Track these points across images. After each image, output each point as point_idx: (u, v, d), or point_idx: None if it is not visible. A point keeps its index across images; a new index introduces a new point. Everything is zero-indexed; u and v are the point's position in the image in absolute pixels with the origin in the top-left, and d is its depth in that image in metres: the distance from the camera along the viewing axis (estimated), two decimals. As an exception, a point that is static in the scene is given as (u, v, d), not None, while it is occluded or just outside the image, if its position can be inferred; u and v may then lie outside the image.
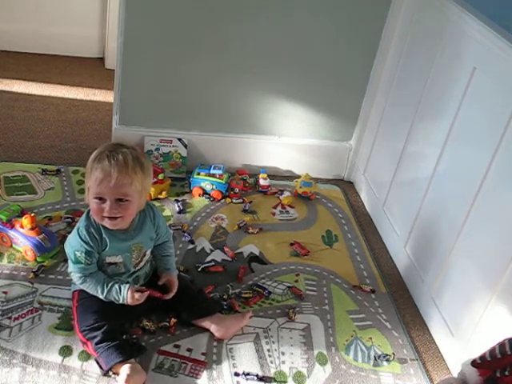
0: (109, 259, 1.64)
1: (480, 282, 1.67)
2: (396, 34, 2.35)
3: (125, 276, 1.68)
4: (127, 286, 1.61)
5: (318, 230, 2.33)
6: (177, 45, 2.33)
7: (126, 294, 1.60)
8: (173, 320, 1.73)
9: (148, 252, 1.71)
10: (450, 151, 1.90)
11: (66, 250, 1.65)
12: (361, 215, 2.50)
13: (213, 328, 1.72)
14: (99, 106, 3.00)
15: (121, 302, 1.61)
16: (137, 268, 1.70)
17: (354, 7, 2.34)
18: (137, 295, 1.60)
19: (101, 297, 1.62)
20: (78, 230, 1.61)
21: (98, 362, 1.57)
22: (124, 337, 1.64)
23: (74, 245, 1.60)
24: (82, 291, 1.66)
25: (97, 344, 1.55)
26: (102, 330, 1.57)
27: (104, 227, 1.60)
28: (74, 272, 1.62)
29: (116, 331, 1.61)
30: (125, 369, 1.52)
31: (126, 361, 1.54)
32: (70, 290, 1.76)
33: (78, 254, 1.59)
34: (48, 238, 1.93)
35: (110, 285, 1.61)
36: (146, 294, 1.63)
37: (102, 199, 1.53)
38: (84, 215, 1.63)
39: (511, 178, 1.57)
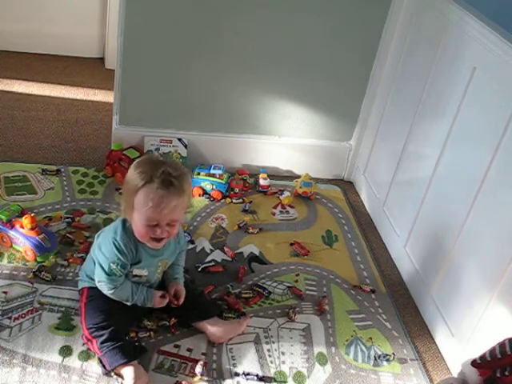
0: (136, 272, 1.64)
1: (480, 281, 1.67)
2: (396, 34, 2.35)
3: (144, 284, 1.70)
4: (152, 292, 1.67)
5: (318, 230, 2.33)
6: (177, 45, 2.33)
7: (152, 300, 1.66)
8: (173, 320, 1.74)
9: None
10: (450, 151, 1.90)
11: (96, 259, 1.62)
12: (361, 215, 2.50)
13: (209, 332, 1.72)
14: (99, 106, 3.00)
15: (147, 306, 1.67)
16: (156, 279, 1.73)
17: (354, 7, 2.34)
18: (161, 300, 1.68)
19: (126, 303, 1.64)
20: (114, 242, 1.57)
21: (100, 361, 1.57)
22: (127, 338, 1.65)
23: (109, 256, 1.58)
24: (91, 288, 1.66)
25: (102, 343, 1.56)
26: (109, 329, 1.57)
27: (140, 242, 1.59)
28: (104, 283, 1.61)
29: (121, 332, 1.61)
30: (130, 372, 1.52)
31: (130, 362, 1.55)
32: (69, 289, 1.78)
33: (114, 266, 1.58)
34: (48, 237, 1.93)
35: (137, 293, 1.64)
36: (167, 299, 1.69)
37: (153, 225, 1.53)
38: (120, 227, 1.59)
39: (511, 178, 1.57)
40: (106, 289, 1.61)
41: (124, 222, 1.60)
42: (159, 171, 1.49)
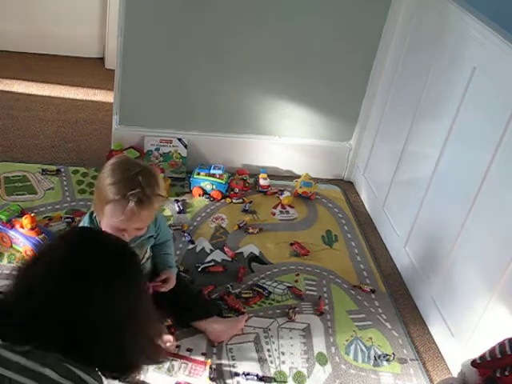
0: None
1: (480, 281, 1.67)
2: (396, 34, 2.35)
3: None
4: None
5: (318, 230, 2.33)
6: (177, 45, 2.33)
7: None
8: (172, 319, 1.73)
9: (148, 249, 1.71)
10: (449, 151, 1.90)
11: None
12: (361, 215, 2.50)
13: (208, 330, 1.72)
14: (99, 106, 3.00)
15: None
16: None
17: (354, 7, 2.34)
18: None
19: None
20: None
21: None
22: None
23: None
24: None
25: None
26: None
27: None
28: None
29: None
30: None
31: None
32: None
33: None
34: (48, 238, 1.93)
35: None
36: (150, 285, 1.65)
37: (121, 230, 1.51)
38: (87, 217, 1.61)
39: (511, 178, 1.57)
40: None
41: (91, 213, 1.60)
42: (134, 190, 1.45)
